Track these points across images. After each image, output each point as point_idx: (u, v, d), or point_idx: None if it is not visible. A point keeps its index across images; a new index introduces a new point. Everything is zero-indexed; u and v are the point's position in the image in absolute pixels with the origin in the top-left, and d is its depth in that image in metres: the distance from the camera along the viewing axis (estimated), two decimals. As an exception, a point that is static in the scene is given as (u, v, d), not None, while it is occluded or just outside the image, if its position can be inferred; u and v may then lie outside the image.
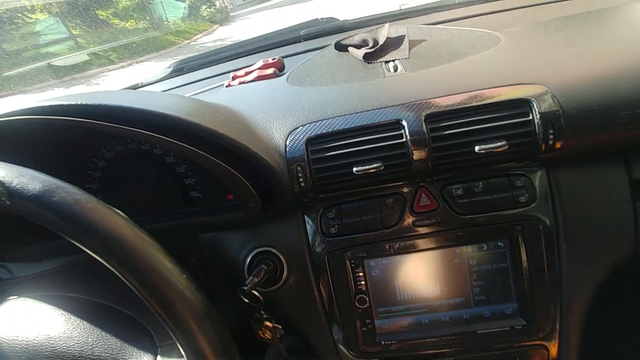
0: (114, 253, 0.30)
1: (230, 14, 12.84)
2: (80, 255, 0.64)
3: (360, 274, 0.57)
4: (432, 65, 0.60)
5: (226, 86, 0.78)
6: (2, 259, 0.64)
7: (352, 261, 0.57)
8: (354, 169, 0.51)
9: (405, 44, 0.70)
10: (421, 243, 0.56)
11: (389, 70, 0.63)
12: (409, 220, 0.55)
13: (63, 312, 0.43)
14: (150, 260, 0.31)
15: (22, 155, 0.51)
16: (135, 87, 1.03)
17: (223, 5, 12.54)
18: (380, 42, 0.71)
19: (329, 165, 0.52)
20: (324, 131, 0.52)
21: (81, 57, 8.31)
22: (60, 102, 0.43)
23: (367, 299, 0.56)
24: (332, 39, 0.90)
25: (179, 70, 0.98)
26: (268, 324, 0.56)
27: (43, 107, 0.42)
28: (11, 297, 0.46)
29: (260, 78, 0.76)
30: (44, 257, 0.64)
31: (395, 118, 0.51)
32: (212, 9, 12.11)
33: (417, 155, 0.50)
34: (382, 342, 0.57)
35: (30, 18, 8.93)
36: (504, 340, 0.56)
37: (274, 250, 0.58)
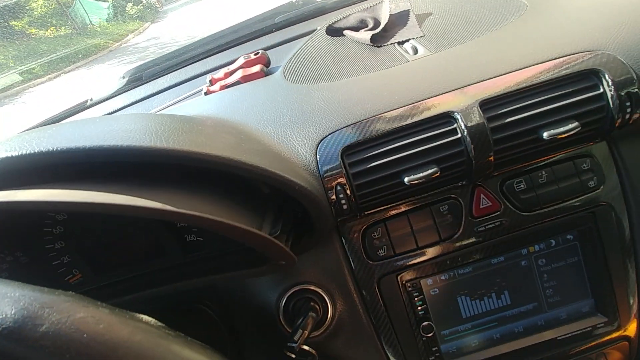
0: None
1: (161, 10, 12.09)
2: None
3: (420, 296, 0.48)
4: (457, 41, 0.51)
5: (205, 93, 0.65)
6: None
7: (409, 284, 0.48)
8: (406, 179, 0.42)
9: (413, 19, 0.61)
10: (484, 250, 0.48)
11: (407, 53, 0.54)
12: (470, 226, 0.47)
13: None
14: None
15: None
16: (84, 106, 0.86)
17: (152, 1, 11.75)
18: (384, 21, 0.61)
19: (373, 178, 0.42)
20: (361, 137, 0.42)
21: (11, 77, 7.45)
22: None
23: (433, 326, 0.48)
24: (313, 24, 0.79)
25: (137, 79, 0.82)
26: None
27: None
28: None
29: (246, 78, 0.63)
30: None
31: (445, 110, 0.42)
32: (139, 6, 11.30)
33: (477, 151, 0.42)
34: (453, 369, 0.50)
35: None
36: (585, 342, 0.50)
37: (312, 287, 0.48)
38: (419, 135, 0.42)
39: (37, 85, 7.48)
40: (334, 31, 0.66)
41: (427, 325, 0.48)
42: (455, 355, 0.50)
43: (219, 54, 0.82)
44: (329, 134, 0.43)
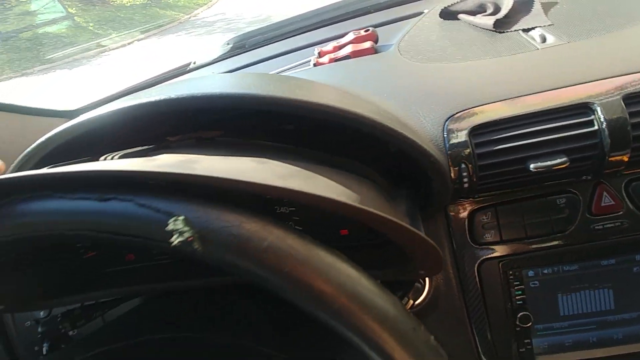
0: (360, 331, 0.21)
1: (230, -13, 12.34)
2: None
3: (519, 286, 0.48)
4: (594, 33, 0.49)
5: (314, 64, 0.67)
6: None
7: (510, 272, 0.48)
8: (532, 166, 0.41)
9: (538, 7, 0.59)
10: (595, 249, 0.46)
11: (534, 40, 0.52)
12: (585, 224, 0.45)
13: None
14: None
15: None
16: (185, 69, 0.92)
17: (222, -23, 12.03)
18: (508, 7, 0.59)
19: (499, 160, 0.42)
20: (491, 118, 0.42)
21: (132, 35, 7.93)
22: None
23: (530, 317, 0.48)
24: (418, 6, 0.79)
25: (240, 47, 0.86)
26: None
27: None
28: None
29: (356, 54, 0.65)
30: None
31: (583, 100, 0.41)
32: (210, -18, 11.62)
33: (613, 146, 0.40)
34: (542, 364, 0.49)
35: (24, -4, 8.63)
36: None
37: (412, 261, 0.49)
38: (552, 123, 0.41)
39: (112, 50, 7.98)
40: (449, 14, 0.65)
41: (524, 315, 0.48)
42: (546, 352, 0.49)
43: (321, 29, 0.83)
44: (457, 112, 0.43)
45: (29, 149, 0.37)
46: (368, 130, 0.36)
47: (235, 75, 0.43)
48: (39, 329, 0.47)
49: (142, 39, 8.76)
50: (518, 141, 0.42)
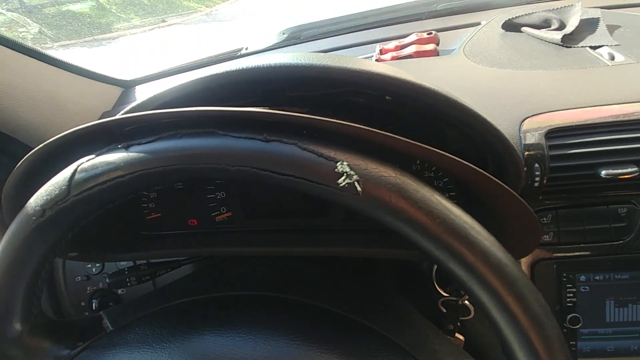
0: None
1: (253, -15, 12.47)
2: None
3: (572, 289, 0.50)
4: (661, 54, 0.52)
5: (376, 60, 0.69)
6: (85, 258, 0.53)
7: (564, 275, 0.49)
8: (603, 172, 0.43)
9: (603, 27, 0.61)
10: (648, 261, 0.48)
11: (602, 57, 0.54)
12: (643, 234, 0.47)
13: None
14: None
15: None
16: (236, 54, 0.94)
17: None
18: (574, 24, 0.62)
19: (570, 164, 0.44)
20: (567, 123, 0.44)
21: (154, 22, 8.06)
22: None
23: (580, 319, 0.50)
24: (474, 17, 0.81)
25: (296, 37, 0.88)
26: (460, 336, 0.50)
27: None
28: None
29: (420, 54, 0.67)
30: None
31: (657, 115, 0.43)
32: (236, -22, 11.75)
33: (683, 161, 0.42)
34: (584, 367, 0.51)
35: (53, -27, 8.72)
36: None
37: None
38: (625, 134, 0.44)
39: (133, 34, 8.04)
40: (511, 26, 0.68)
41: (573, 317, 0.49)
42: (588, 355, 0.51)
43: (375, 29, 0.86)
44: (534, 115, 0.45)
45: (136, 103, 0.39)
46: (467, 120, 0.38)
47: (330, 54, 0.44)
48: (107, 280, 0.49)
49: (163, 27, 8.84)
50: (591, 147, 0.44)
